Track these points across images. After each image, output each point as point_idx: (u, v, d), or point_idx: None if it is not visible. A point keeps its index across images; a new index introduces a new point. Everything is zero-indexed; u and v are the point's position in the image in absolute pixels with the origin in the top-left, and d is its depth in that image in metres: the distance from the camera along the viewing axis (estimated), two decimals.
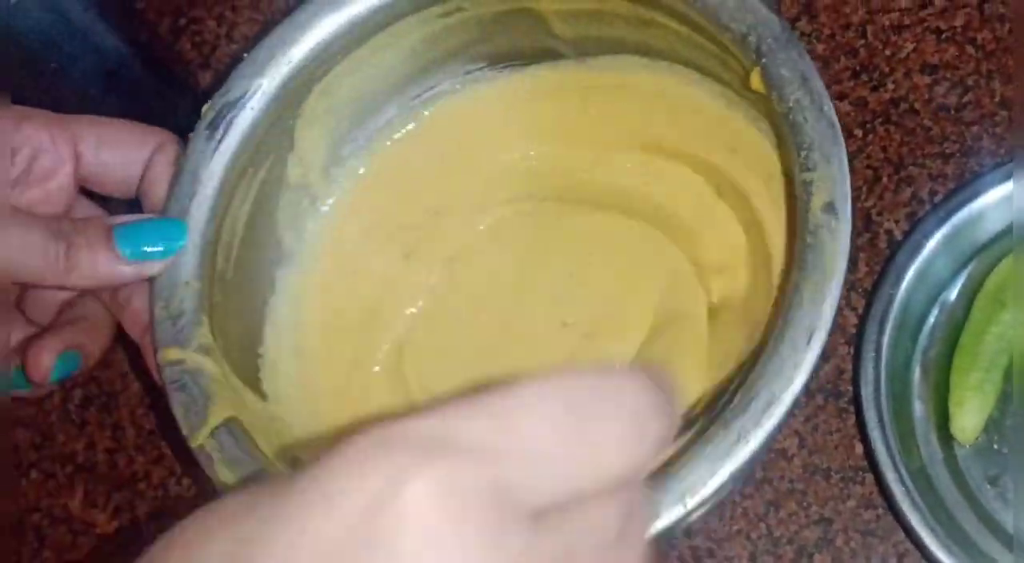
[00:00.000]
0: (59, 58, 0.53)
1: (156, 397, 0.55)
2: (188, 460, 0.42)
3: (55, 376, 0.44)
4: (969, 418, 0.46)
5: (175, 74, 0.61)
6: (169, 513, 0.53)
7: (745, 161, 0.46)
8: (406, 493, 0.20)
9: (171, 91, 0.60)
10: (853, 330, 0.49)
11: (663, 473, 0.37)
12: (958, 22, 0.53)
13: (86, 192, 0.47)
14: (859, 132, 0.52)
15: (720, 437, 0.37)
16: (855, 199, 0.50)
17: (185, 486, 0.53)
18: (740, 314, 0.45)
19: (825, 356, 0.49)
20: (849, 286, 0.50)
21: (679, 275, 0.47)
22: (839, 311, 0.49)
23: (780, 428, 0.38)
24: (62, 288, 0.45)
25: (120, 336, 0.47)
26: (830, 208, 0.39)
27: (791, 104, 0.41)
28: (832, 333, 0.49)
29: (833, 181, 0.40)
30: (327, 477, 0.20)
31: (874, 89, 0.53)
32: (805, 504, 0.48)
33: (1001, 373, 0.46)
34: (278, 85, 0.46)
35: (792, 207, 0.43)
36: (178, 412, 0.42)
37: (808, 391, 0.49)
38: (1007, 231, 0.47)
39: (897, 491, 0.44)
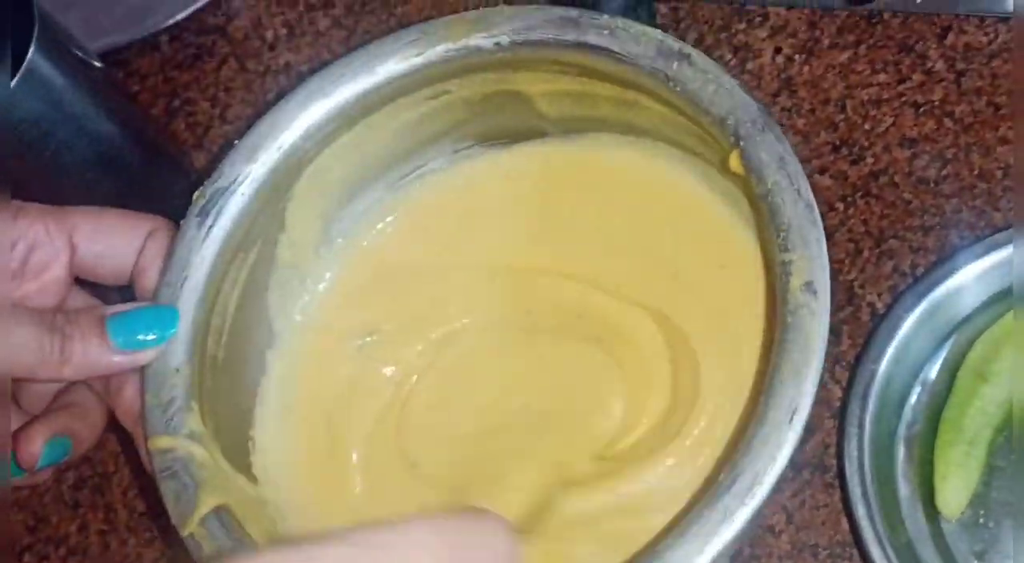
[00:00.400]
0: (54, 144, 0.54)
1: (146, 481, 0.55)
2: (179, 546, 0.43)
3: (43, 462, 0.44)
4: (954, 493, 0.46)
5: (170, 156, 0.62)
6: None
7: (733, 278, 0.47)
8: None
9: (166, 173, 0.61)
10: (838, 403, 0.49)
11: (650, 552, 0.37)
12: (936, 96, 0.53)
13: (78, 280, 0.48)
14: (840, 205, 0.53)
15: (705, 516, 0.37)
16: (837, 272, 0.51)
17: None
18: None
19: (811, 430, 0.49)
20: (833, 359, 0.50)
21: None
22: (823, 385, 0.49)
23: (765, 506, 0.38)
24: (56, 380, 0.45)
25: (113, 418, 0.47)
26: (809, 288, 0.40)
27: (770, 186, 0.41)
28: (817, 407, 0.49)
29: (811, 261, 0.40)
30: None
31: (854, 163, 0.53)
32: None
33: (985, 447, 0.46)
34: (268, 170, 0.47)
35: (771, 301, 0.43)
36: (168, 500, 0.43)
37: (795, 465, 0.49)
38: (985, 306, 0.47)
39: None
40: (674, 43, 0.44)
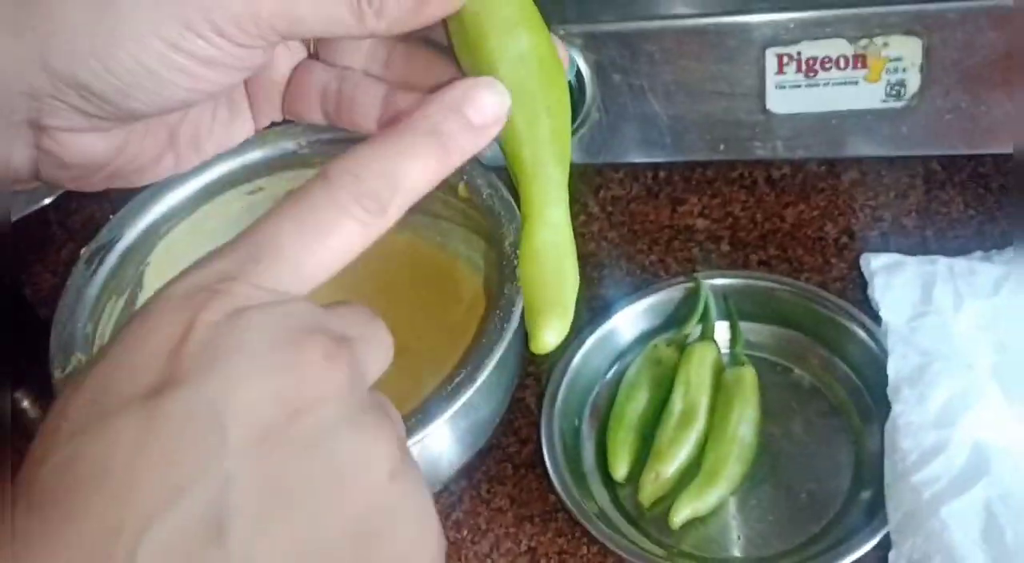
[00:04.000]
0: None
1: None
2: None
3: None
4: (620, 464, 0.66)
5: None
6: None
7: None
8: (201, 318, 0.30)
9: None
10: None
11: None
12: (595, 227, 0.78)
13: None
14: None
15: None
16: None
17: None
18: None
19: (524, 441, 0.69)
20: (534, 379, 0.71)
21: None
22: (526, 403, 0.69)
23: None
24: (368, 37, 0.40)
25: None
26: None
27: (484, 197, 0.65)
28: (526, 422, 0.69)
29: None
30: (134, 331, 0.30)
31: None
32: (522, 539, 0.65)
33: (638, 433, 0.67)
34: (133, 238, 0.66)
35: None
36: None
37: (514, 465, 0.68)
38: (637, 341, 0.70)
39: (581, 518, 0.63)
40: None
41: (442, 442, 0.62)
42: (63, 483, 0.28)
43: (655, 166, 0.80)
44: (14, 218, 0.82)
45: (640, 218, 0.78)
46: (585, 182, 0.80)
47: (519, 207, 0.40)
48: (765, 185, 0.78)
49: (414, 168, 0.35)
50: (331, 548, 0.29)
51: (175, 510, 0.27)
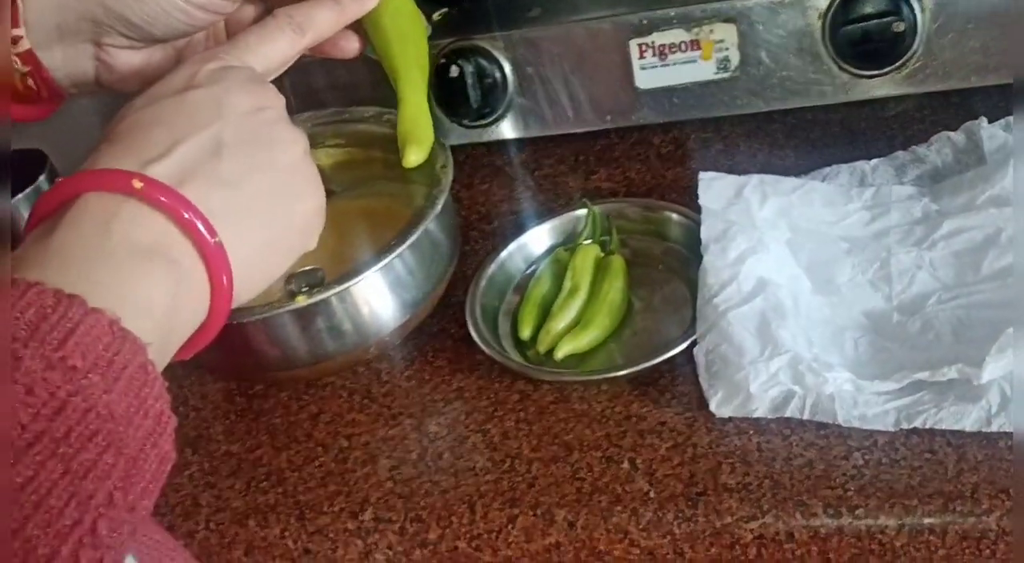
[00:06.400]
0: None
1: None
2: None
3: None
4: (526, 328, 0.90)
5: None
6: None
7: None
8: (207, 67, 0.56)
9: None
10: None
11: None
12: None
13: None
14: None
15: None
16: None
17: None
18: None
19: (461, 325, 0.94)
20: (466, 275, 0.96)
21: None
22: (458, 290, 0.94)
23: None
24: None
25: None
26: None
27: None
28: (456, 309, 0.94)
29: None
30: (171, 74, 0.56)
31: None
32: (453, 383, 0.89)
33: (539, 308, 0.91)
34: None
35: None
36: None
37: (452, 338, 0.93)
38: (547, 251, 0.95)
39: (498, 360, 0.87)
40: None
41: (383, 297, 0.87)
42: (131, 128, 0.54)
43: (576, 150, 1.07)
44: None
45: (562, 186, 1.04)
46: (525, 166, 1.07)
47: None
48: (655, 158, 1.04)
49: (324, 15, 0.65)
50: (272, 174, 0.56)
51: (193, 139, 0.53)
